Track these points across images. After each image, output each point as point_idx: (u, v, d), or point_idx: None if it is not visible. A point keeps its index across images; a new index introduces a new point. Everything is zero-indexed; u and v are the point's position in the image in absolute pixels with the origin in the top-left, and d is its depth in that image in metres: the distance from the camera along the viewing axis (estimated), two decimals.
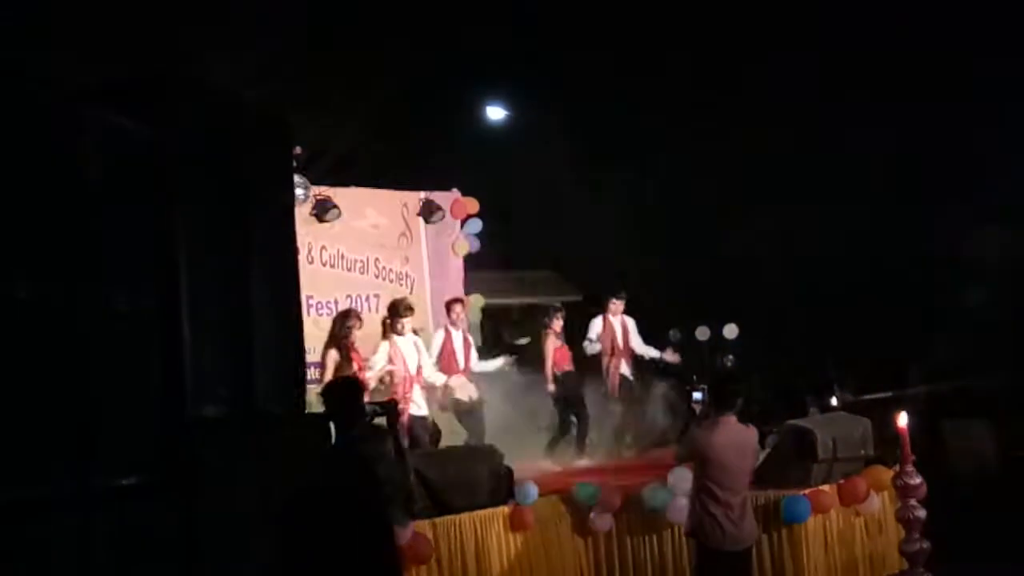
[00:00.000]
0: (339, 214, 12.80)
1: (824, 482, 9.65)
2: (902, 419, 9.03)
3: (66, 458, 3.84)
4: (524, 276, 17.16)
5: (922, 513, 9.06)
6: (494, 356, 12.69)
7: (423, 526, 8.40)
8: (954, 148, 15.54)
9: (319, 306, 12.38)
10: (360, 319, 11.12)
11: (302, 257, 11.61)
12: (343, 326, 10.81)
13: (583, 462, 11.98)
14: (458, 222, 14.51)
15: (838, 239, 16.24)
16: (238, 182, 4.69)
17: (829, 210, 16.09)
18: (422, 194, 14.17)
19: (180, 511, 4.13)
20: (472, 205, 14.53)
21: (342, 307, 12.12)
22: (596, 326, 12.92)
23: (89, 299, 3.97)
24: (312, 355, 10.31)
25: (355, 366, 10.60)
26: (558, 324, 12.86)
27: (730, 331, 16.27)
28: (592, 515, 9.54)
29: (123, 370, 4.10)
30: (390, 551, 5.56)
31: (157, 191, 4.30)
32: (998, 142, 14.95)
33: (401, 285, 13.70)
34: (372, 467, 5.75)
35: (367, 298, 13.10)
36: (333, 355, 10.58)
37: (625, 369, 12.89)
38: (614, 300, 12.92)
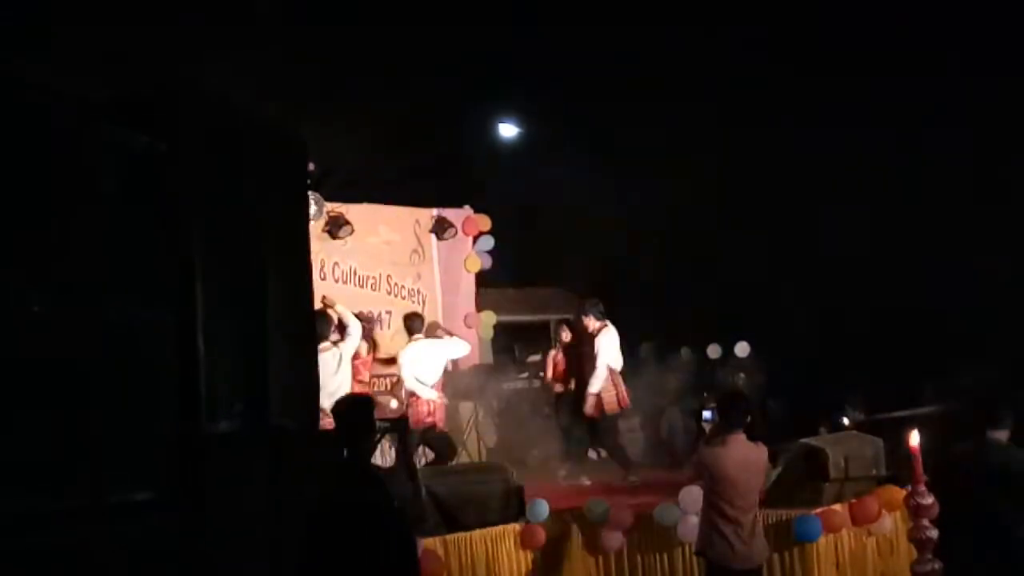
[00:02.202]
0: (352, 231, 12.86)
1: (836, 501, 9.62)
2: (914, 438, 9.01)
3: (78, 472, 3.85)
4: (536, 293, 17.15)
5: (934, 533, 9.02)
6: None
7: (433, 543, 8.40)
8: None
9: (330, 323, 12.40)
10: (371, 324, 11.24)
11: (315, 273, 11.65)
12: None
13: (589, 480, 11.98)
14: (470, 239, 14.57)
15: (852, 255, 16.20)
16: (253, 197, 4.72)
17: (843, 224, 16.06)
18: (434, 211, 14.23)
19: (193, 526, 4.14)
20: (484, 222, 14.58)
21: None
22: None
23: (103, 313, 3.99)
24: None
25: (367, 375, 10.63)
26: (566, 336, 12.85)
27: (741, 349, 16.24)
28: (603, 533, 9.52)
29: (137, 384, 4.11)
30: (411, 566, 5.56)
31: (172, 206, 4.32)
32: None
33: (413, 302, 13.75)
34: (385, 483, 5.77)
35: (379, 315, 13.15)
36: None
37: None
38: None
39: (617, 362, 11.94)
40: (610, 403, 11.77)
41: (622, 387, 11.90)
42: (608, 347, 11.86)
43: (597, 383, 11.71)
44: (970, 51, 14.69)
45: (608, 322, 12.01)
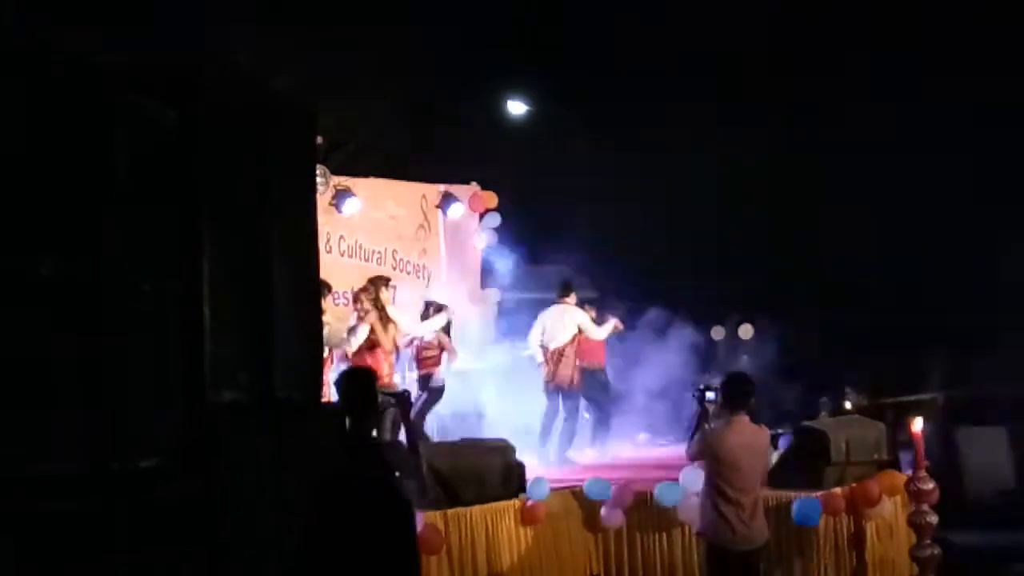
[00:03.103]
0: (358, 204, 12.83)
1: (836, 485, 9.64)
2: (916, 424, 9.03)
3: (84, 439, 3.86)
4: (541, 271, 17.13)
5: (934, 519, 9.06)
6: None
7: (434, 517, 8.42)
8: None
9: (336, 296, 12.39)
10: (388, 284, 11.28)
11: (320, 246, 11.65)
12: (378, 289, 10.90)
13: (594, 456, 12.01)
14: (476, 215, 14.53)
15: (860, 241, 16.21)
16: (262, 167, 4.71)
17: (850, 212, 16.06)
18: (441, 186, 14.21)
19: (198, 495, 4.15)
20: (491, 199, 14.55)
21: None
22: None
23: (112, 279, 3.99)
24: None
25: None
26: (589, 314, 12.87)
27: (745, 331, 16.26)
28: (603, 511, 9.56)
29: (144, 352, 4.11)
30: (410, 538, 5.58)
31: (182, 174, 4.32)
32: None
33: (418, 277, 13.76)
34: (386, 456, 5.79)
35: None
36: (373, 317, 10.65)
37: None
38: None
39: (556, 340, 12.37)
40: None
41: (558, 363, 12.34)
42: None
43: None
44: None
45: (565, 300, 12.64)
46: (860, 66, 16.60)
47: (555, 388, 12.32)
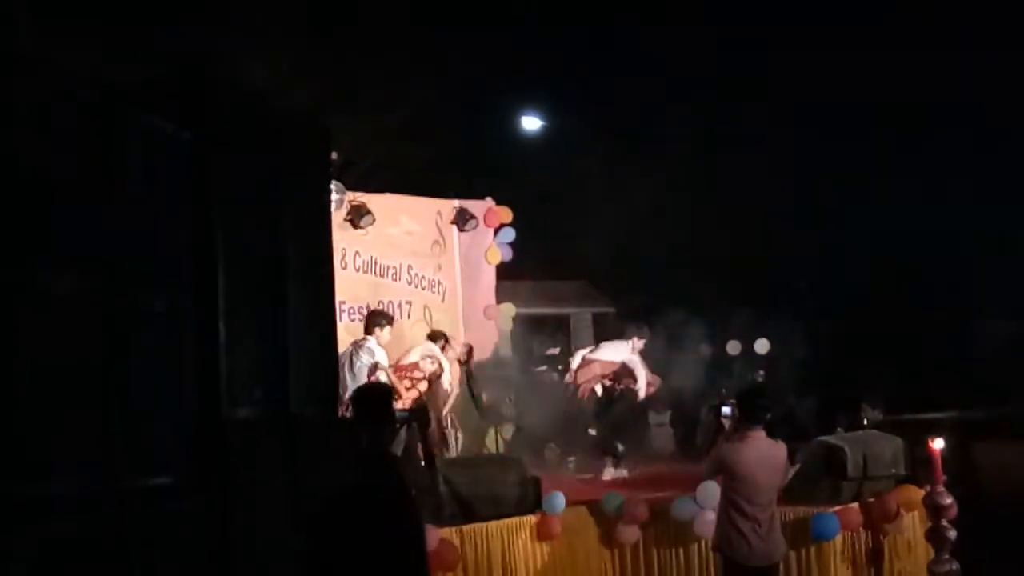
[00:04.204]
0: (373, 220, 12.85)
1: (854, 500, 9.60)
2: (937, 442, 8.98)
3: (98, 455, 3.86)
4: (556, 286, 17.14)
5: (952, 534, 9.00)
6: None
7: (450, 533, 8.41)
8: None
9: (351, 311, 12.41)
10: (389, 320, 11.28)
11: (336, 262, 11.69)
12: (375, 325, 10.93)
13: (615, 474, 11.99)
14: (491, 231, 14.53)
15: (875, 257, 16.18)
16: (275, 185, 4.72)
17: (867, 227, 16.03)
18: (456, 202, 14.22)
19: (212, 512, 4.15)
20: (505, 214, 14.55)
21: None
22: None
23: (125, 297, 4.00)
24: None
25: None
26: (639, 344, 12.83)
27: (761, 346, 16.21)
28: (619, 526, 9.53)
29: (157, 369, 4.11)
30: (421, 555, 5.57)
31: (195, 192, 4.33)
32: None
33: (433, 292, 13.75)
34: (402, 472, 5.77)
35: (399, 304, 13.16)
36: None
37: None
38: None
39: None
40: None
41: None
42: None
43: None
44: None
45: None
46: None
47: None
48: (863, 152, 16.72)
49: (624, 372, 12.24)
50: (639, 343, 12.41)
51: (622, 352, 12.27)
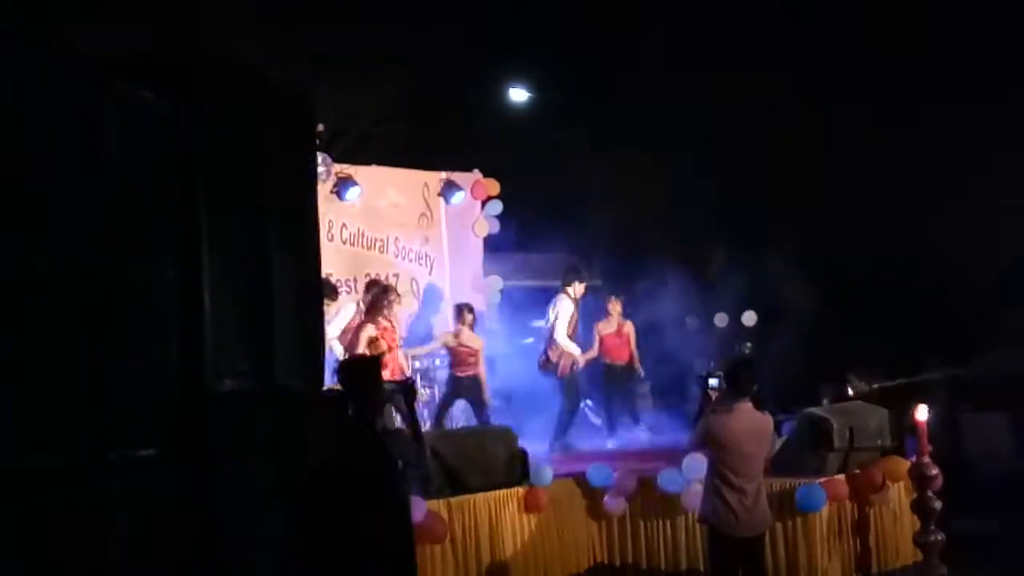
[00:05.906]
0: (360, 192, 12.80)
1: (840, 471, 9.63)
2: (921, 411, 9.02)
3: (83, 428, 3.86)
4: (544, 259, 17.10)
5: (938, 504, 9.04)
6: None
7: (438, 505, 8.42)
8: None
9: (338, 284, 12.38)
10: (399, 295, 11.25)
11: (322, 235, 11.64)
12: (385, 300, 10.86)
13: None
14: (478, 203, 14.48)
15: (857, 232, 16.19)
16: (260, 157, 4.70)
17: (849, 201, 16.04)
18: (443, 174, 14.16)
19: (197, 484, 4.15)
20: (493, 186, 14.49)
21: (361, 286, 12.16)
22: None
23: (110, 271, 3.98)
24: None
25: (384, 345, 10.56)
26: (616, 307, 12.85)
27: (748, 318, 16.23)
28: (606, 498, 9.56)
29: (142, 342, 4.11)
30: (404, 528, 5.58)
31: (179, 165, 4.31)
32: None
33: (420, 265, 13.72)
34: (388, 445, 5.77)
35: (386, 277, 13.09)
36: (369, 330, 10.57)
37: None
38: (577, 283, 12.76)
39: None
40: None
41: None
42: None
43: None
44: None
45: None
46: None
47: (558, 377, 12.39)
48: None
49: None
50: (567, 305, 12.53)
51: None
